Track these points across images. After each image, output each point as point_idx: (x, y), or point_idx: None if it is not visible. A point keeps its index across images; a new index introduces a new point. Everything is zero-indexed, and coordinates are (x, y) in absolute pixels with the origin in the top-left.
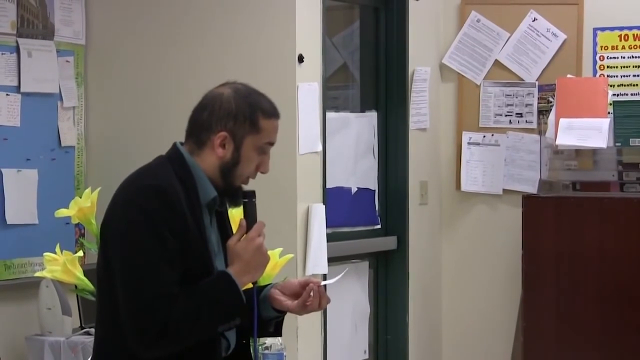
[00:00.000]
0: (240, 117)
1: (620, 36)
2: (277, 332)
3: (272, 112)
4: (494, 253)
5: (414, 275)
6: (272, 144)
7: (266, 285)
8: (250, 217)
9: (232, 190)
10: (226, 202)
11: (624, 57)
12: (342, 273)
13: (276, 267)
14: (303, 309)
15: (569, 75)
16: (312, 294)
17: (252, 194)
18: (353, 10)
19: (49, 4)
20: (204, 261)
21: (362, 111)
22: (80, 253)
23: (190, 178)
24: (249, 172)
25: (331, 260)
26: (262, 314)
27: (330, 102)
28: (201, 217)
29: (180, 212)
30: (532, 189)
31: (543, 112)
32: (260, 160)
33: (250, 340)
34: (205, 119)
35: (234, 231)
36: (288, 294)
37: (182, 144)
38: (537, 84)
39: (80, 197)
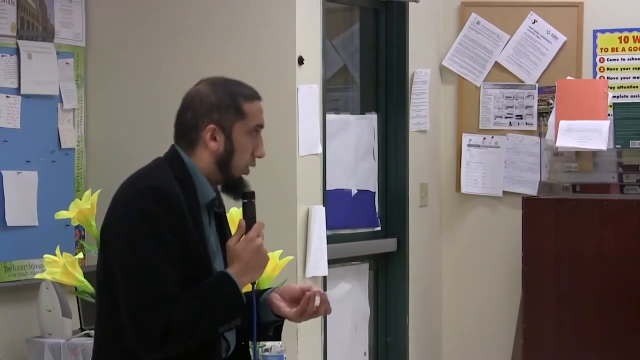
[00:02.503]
0: (223, 107)
1: (620, 38)
2: (277, 337)
3: (253, 95)
4: (494, 255)
5: (414, 277)
6: (261, 126)
7: (266, 289)
8: (249, 218)
9: (233, 183)
10: (230, 197)
11: (624, 59)
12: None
13: (276, 269)
14: (300, 317)
15: (569, 77)
16: (316, 301)
17: (251, 195)
18: (353, 12)
19: (49, 6)
20: (203, 262)
21: (362, 113)
22: (81, 255)
23: (189, 179)
24: (246, 160)
25: (331, 262)
26: (262, 318)
27: (330, 104)
28: (200, 218)
29: (180, 214)
30: (532, 190)
31: (543, 114)
32: (254, 145)
33: (250, 342)
34: (190, 119)
35: (233, 232)
36: (287, 299)
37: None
38: (537, 85)
39: (80, 199)
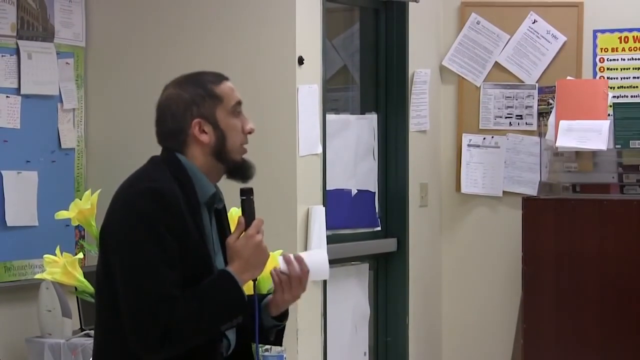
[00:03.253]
0: (198, 99)
1: (620, 38)
2: (278, 342)
3: (220, 77)
4: (494, 255)
5: (413, 277)
6: (239, 103)
7: (268, 294)
8: (248, 215)
9: (236, 165)
10: (239, 180)
11: (624, 59)
12: (319, 251)
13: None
14: (282, 293)
15: (569, 77)
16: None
17: (249, 192)
18: (353, 12)
19: (49, 6)
20: (204, 261)
21: (362, 113)
22: (81, 255)
23: (187, 178)
24: (239, 139)
25: (331, 262)
26: (264, 324)
27: (330, 104)
28: (200, 217)
29: (179, 214)
30: (532, 191)
31: (543, 114)
32: (240, 123)
33: (252, 341)
34: (172, 124)
35: (232, 229)
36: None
37: None
38: (537, 85)
39: (80, 199)
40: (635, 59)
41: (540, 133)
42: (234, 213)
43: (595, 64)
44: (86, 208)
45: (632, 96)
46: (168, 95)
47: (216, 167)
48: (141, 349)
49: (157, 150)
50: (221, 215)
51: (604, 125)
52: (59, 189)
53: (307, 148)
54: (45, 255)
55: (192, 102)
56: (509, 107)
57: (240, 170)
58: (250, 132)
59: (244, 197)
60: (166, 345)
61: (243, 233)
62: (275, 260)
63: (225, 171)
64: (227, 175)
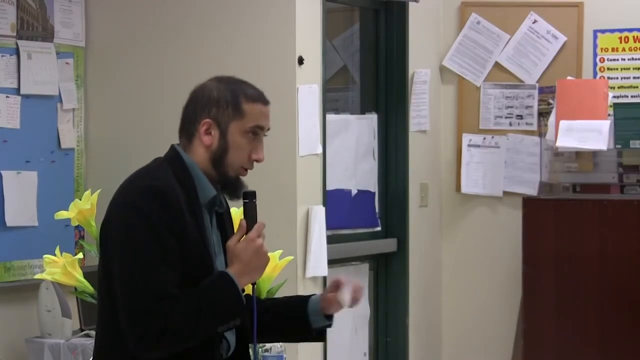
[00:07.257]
0: (222, 103)
1: (620, 38)
2: (321, 337)
3: (257, 97)
4: (494, 255)
5: (414, 278)
6: (261, 128)
7: (311, 295)
8: (250, 218)
9: (228, 181)
10: (226, 196)
11: (624, 59)
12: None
13: (276, 269)
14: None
15: (569, 77)
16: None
17: (252, 195)
18: (353, 12)
19: (49, 6)
20: (204, 262)
21: (362, 113)
22: (80, 255)
23: (189, 178)
24: (241, 160)
25: (331, 262)
26: (313, 325)
27: (330, 104)
28: (201, 217)
29: (179, 213)
30: (532, 191)
31: (543, 114)
32: (252, 147)
33: (250, 343)
34: (191, 112)
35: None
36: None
37: (178, 145)
38: (537, 85)
39: (80, 200)
40: (636, 59)
41: (541, 133)
42: (234, 213)
43: (595, 64)
44: (86, 208)
45: (632, 96)
46: (204, 85)
47: (213, 173)
48: (137, 346)
49: (157, 149)
50: (223, 218)
51: (604, 125)
52: (59, 189)
53: (307, 148)
54: (45, 256)
55: (216, 102)
56: (509, 107)
57: (231, 187)
58: (257, 161)
59: (247, 200)
60: (162, 343)
61: (244, 236)
62: (276, 260)
63: (218, 180)
64: (219, 187)
